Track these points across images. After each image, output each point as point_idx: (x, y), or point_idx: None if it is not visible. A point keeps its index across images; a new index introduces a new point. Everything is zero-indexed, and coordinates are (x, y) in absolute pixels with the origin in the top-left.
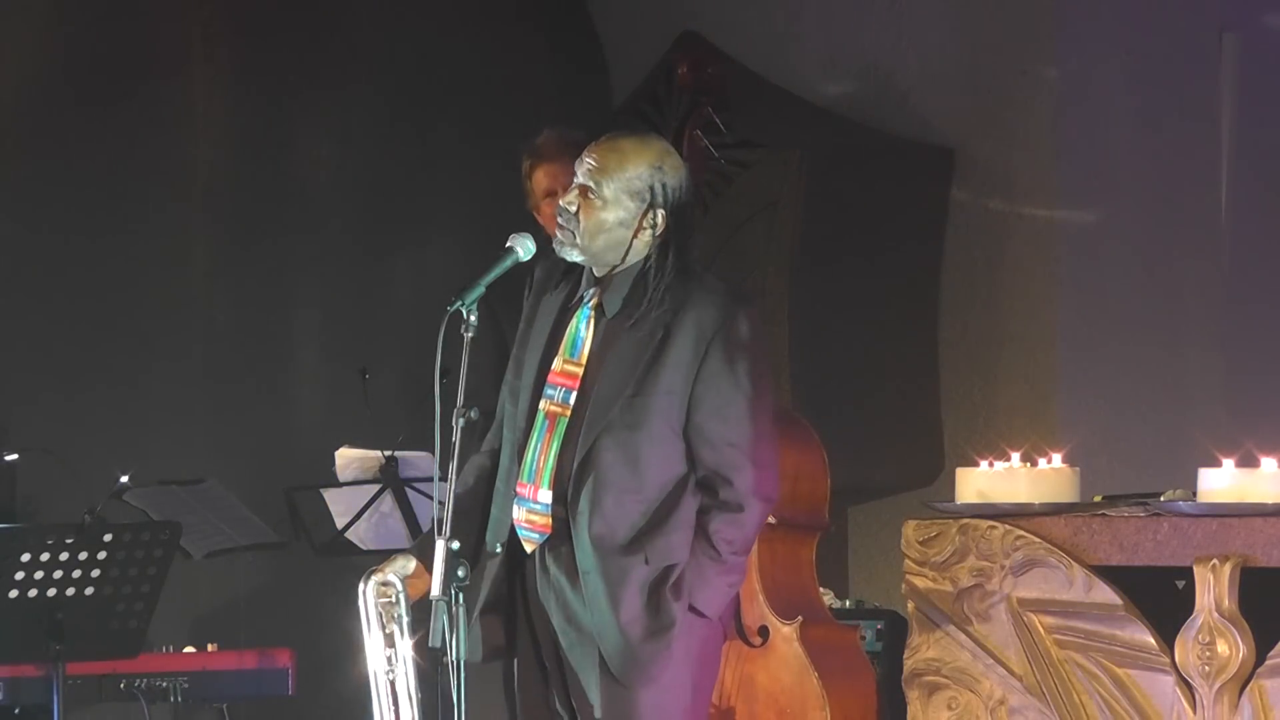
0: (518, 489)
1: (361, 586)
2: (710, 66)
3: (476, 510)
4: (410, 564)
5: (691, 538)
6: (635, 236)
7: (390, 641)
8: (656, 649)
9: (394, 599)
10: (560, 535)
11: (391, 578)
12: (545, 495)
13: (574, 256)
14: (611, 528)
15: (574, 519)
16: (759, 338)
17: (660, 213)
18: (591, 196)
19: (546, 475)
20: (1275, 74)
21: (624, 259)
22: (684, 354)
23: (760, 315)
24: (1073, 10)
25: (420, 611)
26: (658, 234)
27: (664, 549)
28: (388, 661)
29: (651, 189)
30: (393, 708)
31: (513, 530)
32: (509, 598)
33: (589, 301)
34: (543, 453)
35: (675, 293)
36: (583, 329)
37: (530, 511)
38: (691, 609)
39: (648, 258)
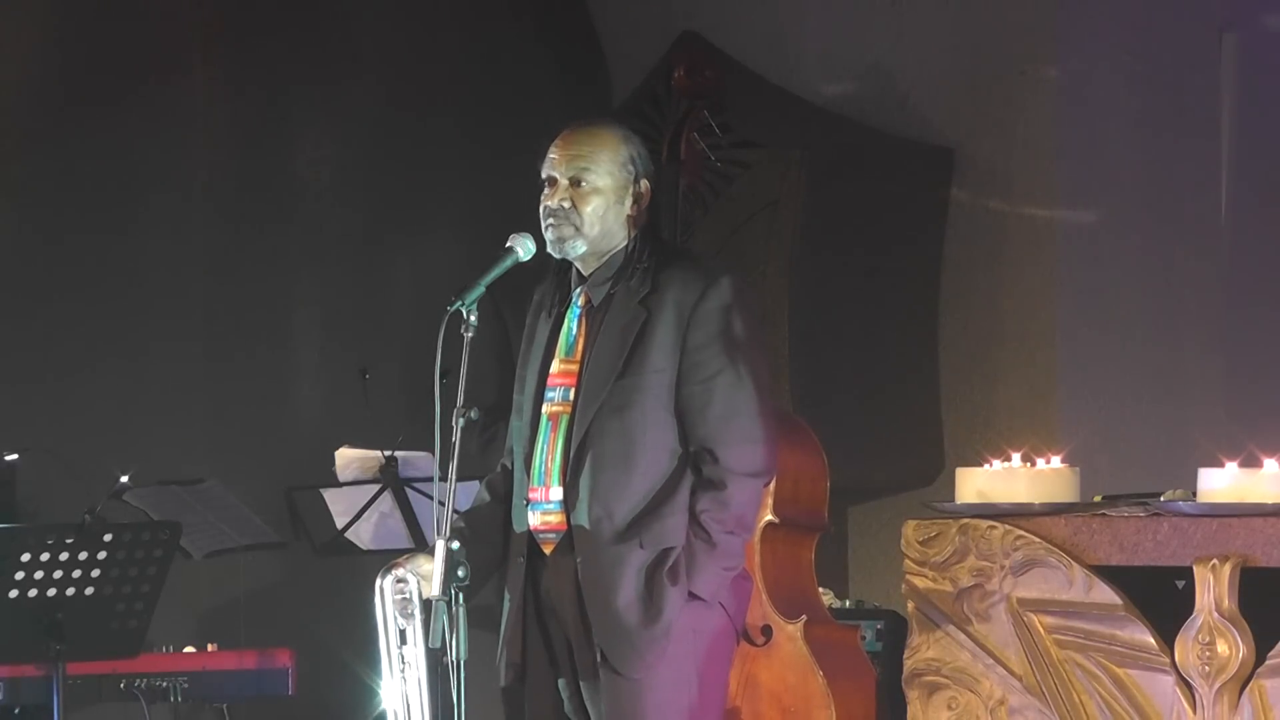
0: (530, 495)
1: (379, 581)
2: (707, 70)
3: (494, 525)
4: (426, 564)
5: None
6: (629, 216)
7: (404, 639)
8: (652, 634)
9: (408, 595)
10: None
11: (408, 575)
12: (556, 494)
13: (578, 249)
14: (609, 511)
15: (573, 505)
16: (743, 307)
17: (644, 182)
18: (583, 186)
19: (555, 473)
20: (1275, 74)
21: (615, 243)
22: (667, 332)
23: (760, 315)
24: (1073, 10)
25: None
26: (643, 208)
27: (659, 533)
28: (400, 658)
29: (632, 159)
30: (405, 703)
31: (530, 539)
32: (523, 613)
33: (578, 301)
34: (549, 453)
35: (655, 272)
36: (574, 327)
37: (545, 513)
38: (691, 595)
39: (629, 243)
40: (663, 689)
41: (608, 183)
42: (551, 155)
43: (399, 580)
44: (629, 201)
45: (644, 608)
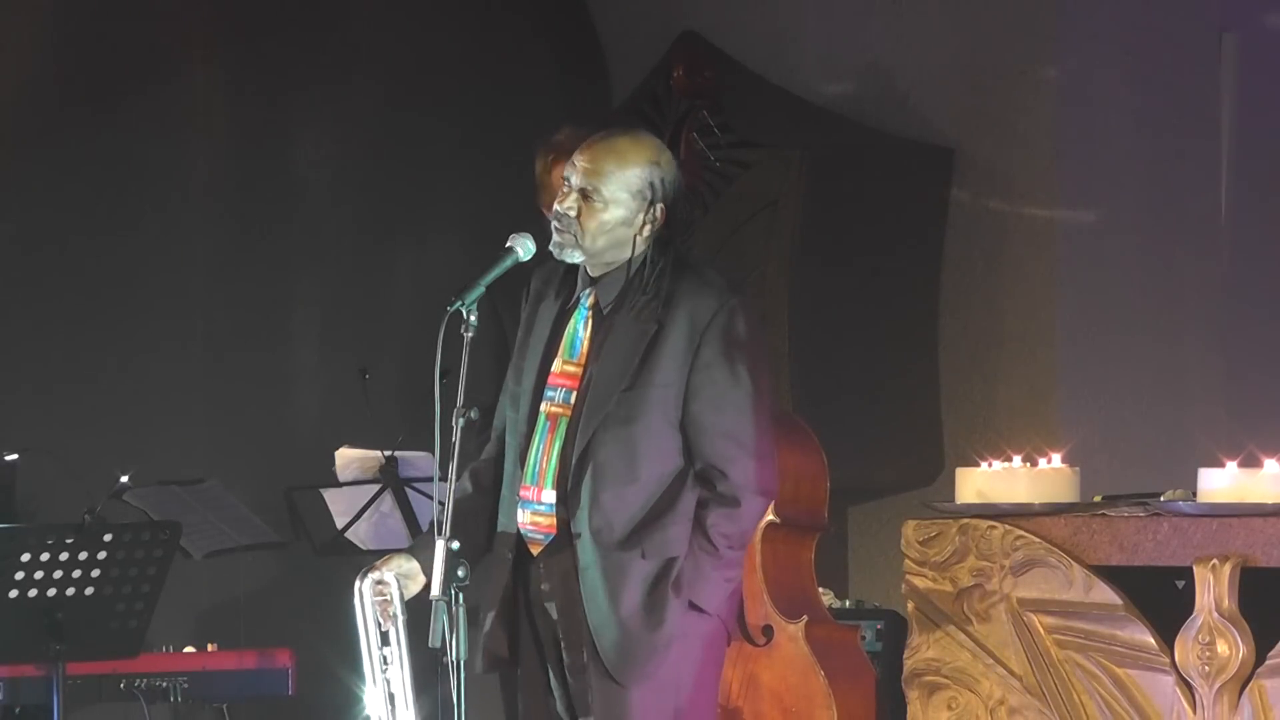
0: (521, 493)
1: (357, 584)
2: (706, 70)
3: (477, 517)
4: (407, 563)
5: (690, 531)
6: (638, 234)
7: (385, 640)
8: (654, 645)
9: (389, 597)
10: (565, 535)
11: (387, 576)
12: (549, 496)
13: (575, 258)
14: (609, 521)
15: (573, 514)
16: (753, 328)
17: (660, 207)
18: (592, 199)
19: (549, 476)
20: (1275, 74)
21: (623, 255)
22: (678, 346)
23: (760, 315)
24: (1073, 10)
25: (416, 612)
26: (656, 229)
27: (661, 543)
28: (383, 660)
29: (652, 185)
30: (389, 707)
31: (518, 536)
32: (513, 604)
33: (586, 301)
34: (545, 454)
35: (669, 285)
36: (580, 329)
37: (535, 513)
38: (691, 605)
39: (644, 252)
40: (655, 694)
41: (616, 204)
42: (576, 157)
43: (378, 582)
44: (640, 221)
45: (647, 617)
